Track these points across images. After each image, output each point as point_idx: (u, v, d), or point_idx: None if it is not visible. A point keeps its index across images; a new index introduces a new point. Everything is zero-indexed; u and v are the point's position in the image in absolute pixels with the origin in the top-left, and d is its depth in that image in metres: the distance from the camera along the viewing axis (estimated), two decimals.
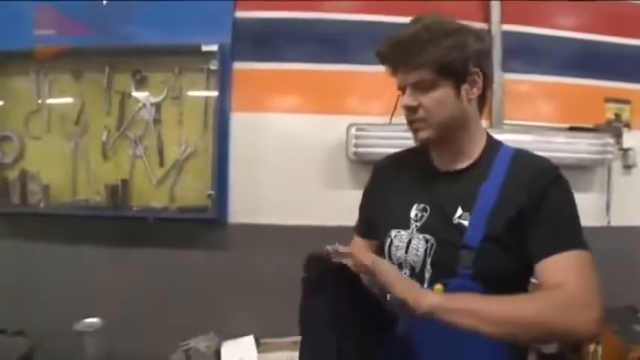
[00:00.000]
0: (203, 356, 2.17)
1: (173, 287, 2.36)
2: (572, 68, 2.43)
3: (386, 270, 1.00)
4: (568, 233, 1.02)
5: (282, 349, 2.17)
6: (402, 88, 1.13)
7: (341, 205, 2.21)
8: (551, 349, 1.88)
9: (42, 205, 2.38)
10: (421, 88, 1.10)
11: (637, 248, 2.38)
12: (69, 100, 2.42)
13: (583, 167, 2.36)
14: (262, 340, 2.23)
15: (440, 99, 1.10)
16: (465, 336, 0.94)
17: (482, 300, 0.97)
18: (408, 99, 1.11)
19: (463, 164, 1.16)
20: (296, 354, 1.12)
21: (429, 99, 1.10)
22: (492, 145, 1.18)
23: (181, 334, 2.23)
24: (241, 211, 2.36)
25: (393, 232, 1.18)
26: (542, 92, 2.45)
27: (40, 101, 2.43)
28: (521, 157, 1.14)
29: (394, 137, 2.15)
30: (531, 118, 2.40)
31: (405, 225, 1.16)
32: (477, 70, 1.12)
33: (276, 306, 2.23)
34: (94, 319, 2.24)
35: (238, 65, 2.36)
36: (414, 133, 1.15)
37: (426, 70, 1.08)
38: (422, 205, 1.16)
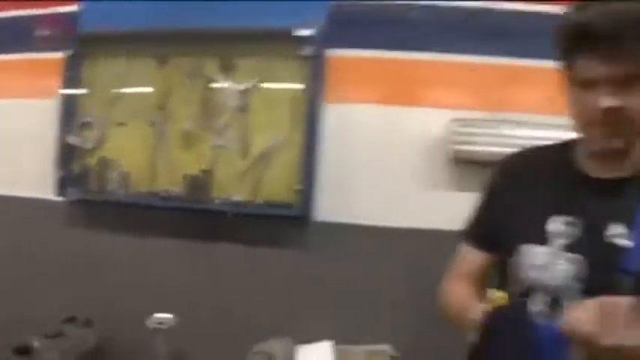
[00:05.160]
0: None
1: (249, 287, 2.22)
2: None
3: None
4: None
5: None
6: (592, 82, 0.89)
7: (438, 208, 2.05)
8: None
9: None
10: (631, 84, 0.87)
11: None
12: (152, 86, 2.32)
13: None
14: (338, 347, 2.06)
15: None
16: None
17: None
18: (610, 99, 0.87)
19: (623, 172, 0.94)
20: None
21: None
22: None
23: (255, 336, 2.08)
24: (329, 208, 2.17)
25: (524, 248, 0.98)
26: None
27: (122, 87, 2.35)
28: None
29: (501, 135, 1.98)
30: None
31: (540, 240, 0.96)
32: None
33: (357, 313, 2.09)
34: (167, 315, 2.13)
35: (331, 52, 2.18)
36: (606, 138, 0.92)
37: None
38: (568, 218, 0.95)
